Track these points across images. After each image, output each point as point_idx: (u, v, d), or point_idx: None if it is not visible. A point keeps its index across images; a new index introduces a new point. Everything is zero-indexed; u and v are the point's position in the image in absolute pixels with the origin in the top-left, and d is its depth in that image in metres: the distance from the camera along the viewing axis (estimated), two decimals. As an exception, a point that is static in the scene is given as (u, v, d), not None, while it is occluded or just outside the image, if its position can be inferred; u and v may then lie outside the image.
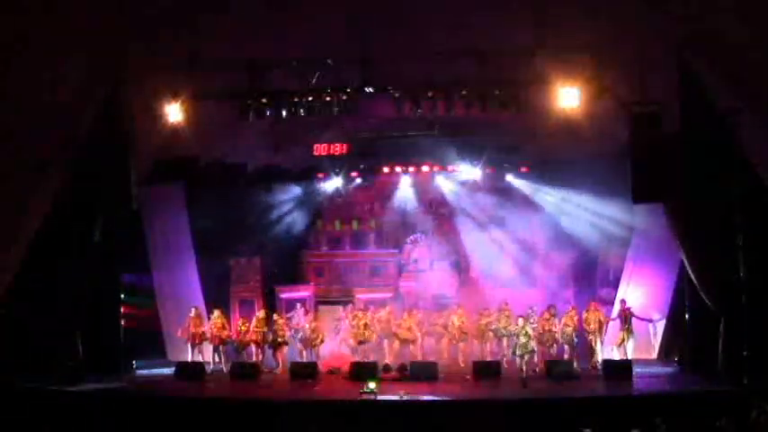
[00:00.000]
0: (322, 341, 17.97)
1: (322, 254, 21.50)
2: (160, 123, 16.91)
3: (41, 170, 15.58)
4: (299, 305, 18.94)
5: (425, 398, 14.12)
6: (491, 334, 17.93)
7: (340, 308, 19.66)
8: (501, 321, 17.71)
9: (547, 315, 17.37)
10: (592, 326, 17.19)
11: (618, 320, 17.31)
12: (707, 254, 15.35)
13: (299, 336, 17.89)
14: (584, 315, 17.38)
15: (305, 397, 14.74)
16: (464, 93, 16.51)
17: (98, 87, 16.12)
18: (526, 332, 16.21)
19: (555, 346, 17.25)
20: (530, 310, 17.31)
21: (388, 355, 17.95)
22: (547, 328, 17.11)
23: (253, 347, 17.93)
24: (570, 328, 17.14)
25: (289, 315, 18.56)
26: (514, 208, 20.69)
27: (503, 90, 16.41)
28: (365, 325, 17.56)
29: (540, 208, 20.39)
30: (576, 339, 17.14)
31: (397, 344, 17.92)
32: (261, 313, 18.37)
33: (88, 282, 16.75)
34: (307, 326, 17.94)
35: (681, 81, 15.23)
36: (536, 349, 16.73)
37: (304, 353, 17.91)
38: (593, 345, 17.25)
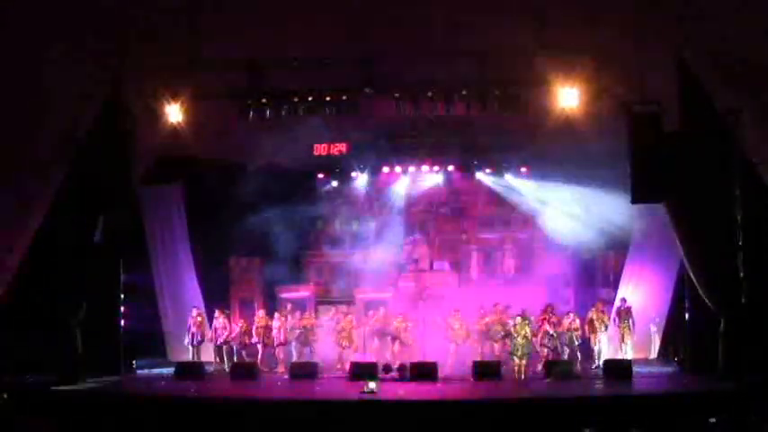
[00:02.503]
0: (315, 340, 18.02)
1: (322, 254, 21.50)
2: (160, 123, 16.92)
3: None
4: (289, 305, 18.94)
5: (425, 398, 14.12)
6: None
7: (332, 309, 19.59)
8: (496, 324, 17.64)
9: (547, 316, 17.33)
10: (596, 326, 17.15)
11: (617, 319, 17.32)
12: (707, 254, 15.35)
13: (295, 335, 17.90)
14: (590, 315, 17.34)
15: (304, 397, 14.74)
16: (464, 93, 16.51)
17: (98, 87, 16.13)
18: (525, 333, 16.20)
19: (554, 346, 17.21)
20: (525, 311, 17.24)
21: (390, 355, 17.93)
22: (546, 328, 17.07)
23: (259, 347, 17.94)
24: (572, 331, 17.10)
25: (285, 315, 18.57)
26: (514, 208, 20.69)
27: (503, 90, 16.42)
28: (342, 330, 17.62)
29: (539, 208, 20.38)
30: (578, 341, 17.11)
31: (397, 345, 17.88)
32: (261, 313, 18.38)
33: (88, 282, 16.76)
34: (295, 324, 17.96)
35: (681, 81, 15.25)
36: (532, 350, 16.73)
37: (302, 351, 17.90)
38: (596, 345, 17.22)
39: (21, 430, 13.30)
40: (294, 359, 17.70)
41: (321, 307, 20.13)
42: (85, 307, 16.72)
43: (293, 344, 17.95)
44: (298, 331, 17.89)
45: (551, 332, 16.99)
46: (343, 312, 18.81)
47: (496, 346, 17.37)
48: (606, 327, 17.30)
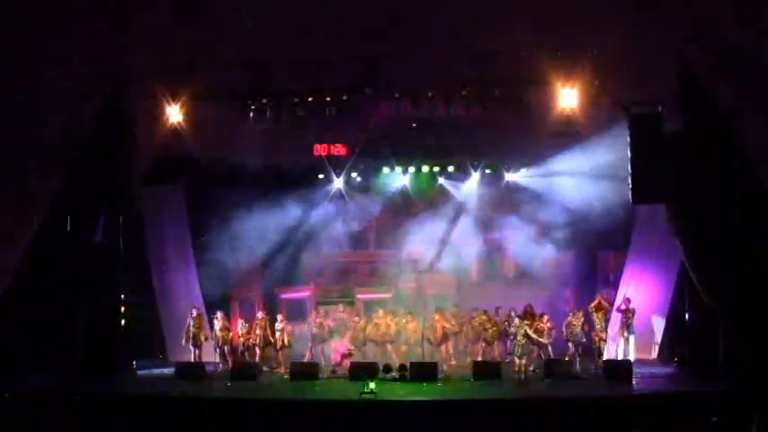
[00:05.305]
0: (323, 340, 18.04)
1: (322, 254, 21.50)
2: (160, 124, 16.93)
3: None
4: (339, 306, 19.02)
5: (425, 398, 14.12)
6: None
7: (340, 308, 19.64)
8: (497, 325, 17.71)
9: (545, 316, 17.34)
10: (598, 324, 17.14)
11: (620, 317, 17.32)
12: (707, 254, 15.35)
13: (307, 334, 17.96)
14: (590, 310, 17.30)
15: (305, 397, 14.74)
16: (464, 93, 16.52)
17: (98, 87, 16.14)
18: (525, 333, 16.21)
19: (550, 345, 17.23)
20: (512, 311, 17.23)
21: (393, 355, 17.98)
22: (540, 327, 17.05)
23: (257, 349, 17.95)
24: (577, 329, 17.08)
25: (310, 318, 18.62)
26: (514, 208, 20.68)
27: (503, 90, 16.41)
28: (362, 330, 17.77)
29: (539, 208, 20.36)
30: (582, 340, 17.11)
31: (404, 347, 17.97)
32: (261, 314, 18.40)
33: (88, 282, 16.76)
34: (314, 325, 18.02)
35: (681, 81, 15.25)
36: (533, 350, 16.75)
37: (314, 350, 17.92)
38: (598, 344, 17.20)
39: (22, 430, 13.31)
40: (307, 358, 17.72)
41: (327, 307, 20.15)
42: (85, 307, 16.73)
43: (308, 344, 17.98)
44: (314, 329, 17.92)
45: (545, 331, 16.99)
46: (351, 313, 18.89)
47: (496, 346, 17.42)
48: (607, 324, 17.29)
